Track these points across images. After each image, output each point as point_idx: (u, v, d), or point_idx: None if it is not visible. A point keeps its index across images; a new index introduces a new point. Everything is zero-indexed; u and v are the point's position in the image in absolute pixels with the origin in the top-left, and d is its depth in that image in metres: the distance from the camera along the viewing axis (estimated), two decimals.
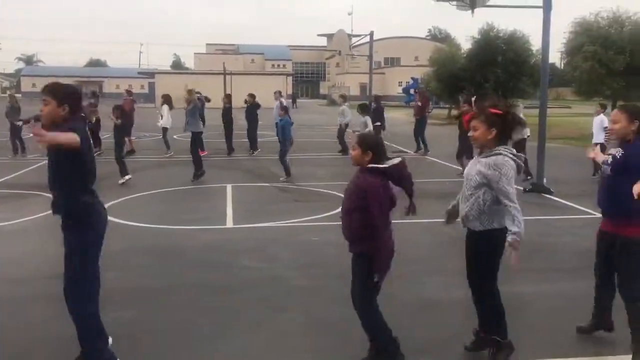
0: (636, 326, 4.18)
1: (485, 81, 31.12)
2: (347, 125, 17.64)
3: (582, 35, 23.95)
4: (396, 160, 4.04)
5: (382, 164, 3.97)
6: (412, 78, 51.38)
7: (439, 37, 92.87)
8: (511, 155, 3.99)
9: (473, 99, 13.45)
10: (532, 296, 5.65)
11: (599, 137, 13.00)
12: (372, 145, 4.04)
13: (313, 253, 7.07)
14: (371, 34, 26.52)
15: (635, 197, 3.89)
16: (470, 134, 4.13)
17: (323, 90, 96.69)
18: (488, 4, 10.92)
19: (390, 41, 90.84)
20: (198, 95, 14.63)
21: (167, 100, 17.44)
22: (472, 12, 11.07)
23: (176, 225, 8.59)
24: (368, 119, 14.59)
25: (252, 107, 17.91)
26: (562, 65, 32.69)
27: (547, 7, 10.43)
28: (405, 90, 50.76)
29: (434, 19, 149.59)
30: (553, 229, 8.38)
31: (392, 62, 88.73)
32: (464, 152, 13.05)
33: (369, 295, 4.10)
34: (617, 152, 4.21)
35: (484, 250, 4.13)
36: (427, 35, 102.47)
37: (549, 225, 8.54)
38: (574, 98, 35.43)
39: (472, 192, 4.05)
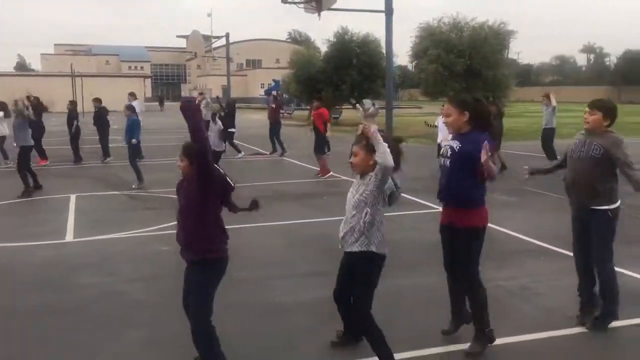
0: (476, 310, 4.34)
1: (342, 83, 32.14)
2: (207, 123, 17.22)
3: (427, 39, 25.48)
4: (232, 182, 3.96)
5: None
6: (274, 80, 51.77)
7: (299, 40, 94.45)
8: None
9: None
10: (380, 293, 5.77)
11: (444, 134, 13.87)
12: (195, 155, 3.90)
13: (160, 264, 6.72)
14: (227, 36, 26.24)
15: (483, 162, 3.97)
16: (350, 159, 4.06)
17: (184, 92, 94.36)
18: (333, 7, 11.19)
19: (251, 43, 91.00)
20: (29, 104, 13.51)
21: (2, 107, 16.06)
22: (319, 15, 11.28)
23: (6, 242, 7.78)
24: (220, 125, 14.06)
25: (100, 113, 16.90)
26: (413, 67, 34.52)
27: (388, 11, 10.90)
28: (267, 92, 51.01)
29: (294, 22, 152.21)
30: (399, 225, 8.69)
31: (254, 64, 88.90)
32: (319, 147, 13.41)
33: (210, 309, 3.92)
34: (455, 144, 4.26)
35: (363, 272, 4.05)
36: (288, 38, 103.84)
37: (395, 222, 8.83)
38: (424, 99, 37.65)
39: (354, 214, 3.99)
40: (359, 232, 3.97)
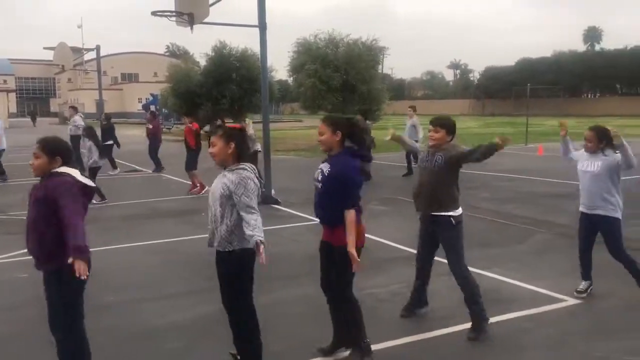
0: (351, 325, 4.44)
1: (222, 97, 31.82)
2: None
3: (304, 54, 25.97)
4: (89, 182, 3.77)
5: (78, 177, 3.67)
6: (152, 94, 50.24)
7: (178, 53, 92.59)
8: (254, 172, 4.02)
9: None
10: (258, 305, 5.72)
11: None
12: (60, 151, 3.73)
13: (17, 293, 6.18)
14: (97, 48, 25.08)
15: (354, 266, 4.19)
16: (209, 150, 4.06)
17: (54, 107, 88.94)
18: (206, 21, 11.08)
19: (127, 56, 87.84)
20: None
21: None
22: (192, 28, 11.13)
23: None
24: (92, 145, 13.05)
25: None
26: (292, 82, 34.99)
27: (262, 26, 10.99)
28: (145, 107, 49.42)
29: (172, 35, 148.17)
30: (279, 238, 8.70)
31: (130, 77, 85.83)
32: (190, 165, 13.21)
33: (72, 316, 3.72)
34: (326, 168, 4.27)
35: (235, 271, 4.02)
36: (166, 52, 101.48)
37: (275, 234, 8.85)
38: (304, 112, 38.28)
39: (219, 209, 3.95)
40: (228, 231, 3.94)
